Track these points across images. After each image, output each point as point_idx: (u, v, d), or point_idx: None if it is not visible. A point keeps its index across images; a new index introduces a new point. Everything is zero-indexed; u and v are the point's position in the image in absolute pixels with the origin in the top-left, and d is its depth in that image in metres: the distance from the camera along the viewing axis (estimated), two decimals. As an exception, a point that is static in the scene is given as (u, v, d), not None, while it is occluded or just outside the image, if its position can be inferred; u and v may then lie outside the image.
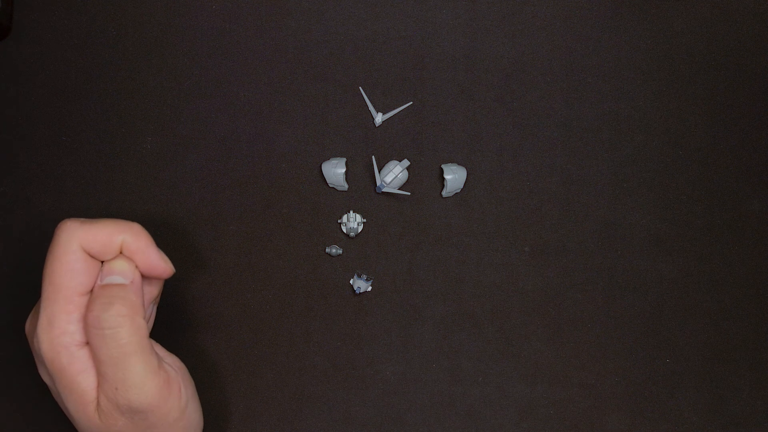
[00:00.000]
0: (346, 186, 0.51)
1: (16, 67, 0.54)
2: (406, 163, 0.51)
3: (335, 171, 0.51)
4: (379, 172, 0.51)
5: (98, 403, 0.40)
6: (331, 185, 0.51)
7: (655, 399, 0.50)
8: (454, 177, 0.51)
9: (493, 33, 0.54)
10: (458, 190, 0.52)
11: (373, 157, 0.51)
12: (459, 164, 0.52)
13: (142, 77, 0.53)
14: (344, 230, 0.51)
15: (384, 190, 0.51)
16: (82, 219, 0.41)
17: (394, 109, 0.53)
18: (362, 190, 0.52)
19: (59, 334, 0.39)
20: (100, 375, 0.39)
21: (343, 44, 0.54)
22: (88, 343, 0.40)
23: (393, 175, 0.51)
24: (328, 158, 0.52)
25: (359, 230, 0.51)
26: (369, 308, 0.50)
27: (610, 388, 0.50)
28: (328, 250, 0.51)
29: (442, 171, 0.52)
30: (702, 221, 0.51)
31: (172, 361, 0.43)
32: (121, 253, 0.41)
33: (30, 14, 0.54)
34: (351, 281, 0.50)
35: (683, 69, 0.54)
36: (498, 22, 0.54)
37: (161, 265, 0.42)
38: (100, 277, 0.41)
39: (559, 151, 0.52)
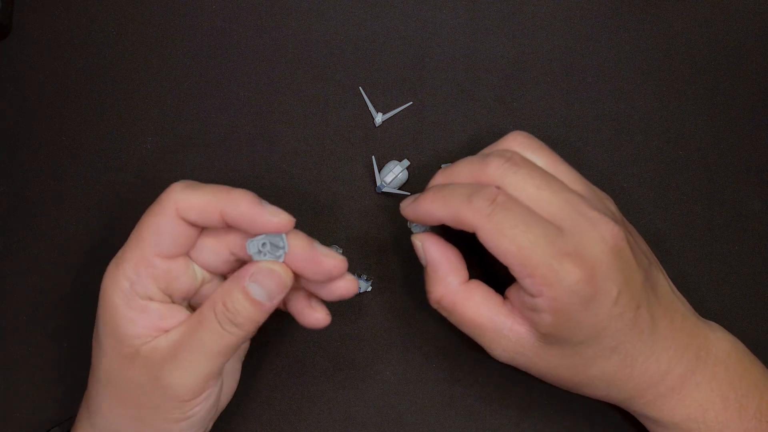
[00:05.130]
0: None
1: (16, 67, 0.54)
2: (406, 163, 0.51)
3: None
4: (379, 172, 0.51)
5: (139, 349, 0.40)
6: None
7: (655, 399, 0.50)
8: (454, 177, 0.51)
9: (493, 33, 0.54)
10: (458, 190, 0.52)
11: (373, 157, 0.51)
12: (459, 164, 0.52)
13: (142, 77, 0.53)
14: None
15: (384, 190, 0.51)
16: (192, 183, 0.41)
17: (394, 109, 0.53)
18: (362, 190, 0.52)
19: (121, 274, 0.40)
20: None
21: (343, 44, 0.54)
22: (151, 300, 0.40)
23: (393, 175, 0.51)
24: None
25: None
26: (369, 308, 0.50)
27: (610, 388, 0.50)
28: (328, 250, 0.51)
29: (442, 171, 0.52)
30: (702, 221, 0.51)
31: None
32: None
33: (30, 14, 0.54)
34: (351, 281, 0.50)
35: (683, 69, 0.54)
36: (498, 22, 0.54)
37: (275, 224, 0.39)
38: (248, 267, 0.40)
39: (559, 151, 0.52)
